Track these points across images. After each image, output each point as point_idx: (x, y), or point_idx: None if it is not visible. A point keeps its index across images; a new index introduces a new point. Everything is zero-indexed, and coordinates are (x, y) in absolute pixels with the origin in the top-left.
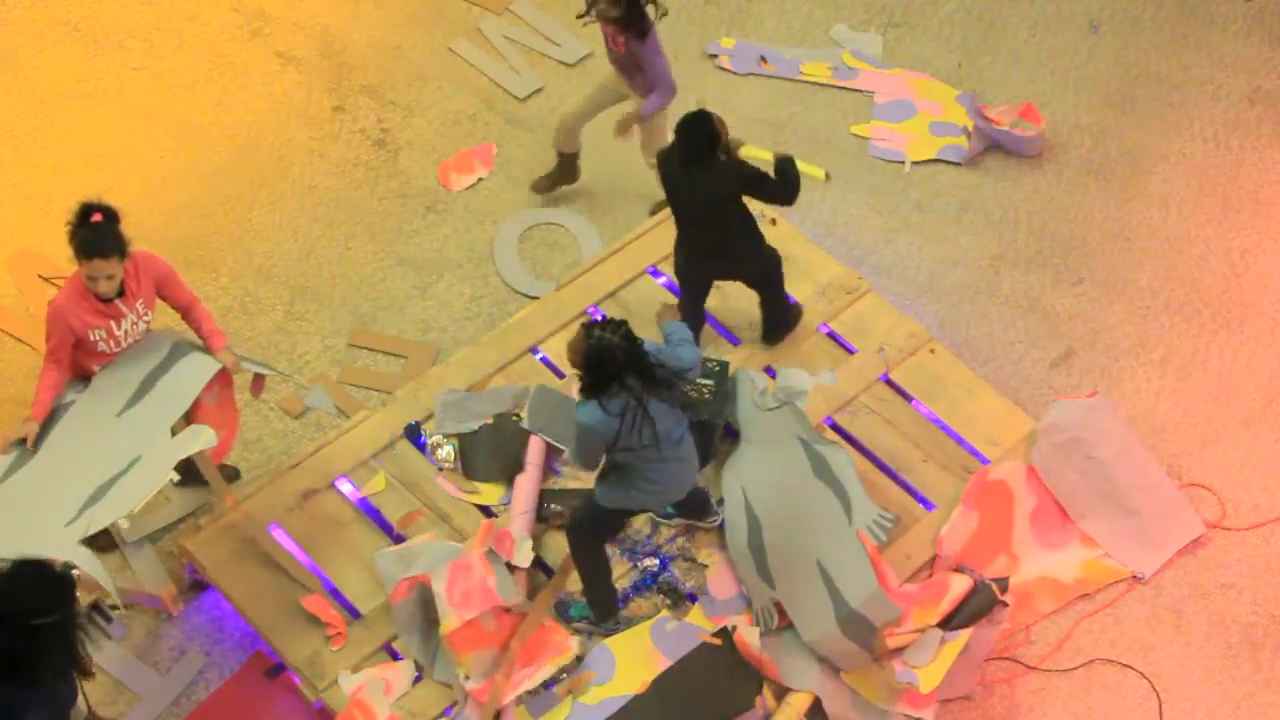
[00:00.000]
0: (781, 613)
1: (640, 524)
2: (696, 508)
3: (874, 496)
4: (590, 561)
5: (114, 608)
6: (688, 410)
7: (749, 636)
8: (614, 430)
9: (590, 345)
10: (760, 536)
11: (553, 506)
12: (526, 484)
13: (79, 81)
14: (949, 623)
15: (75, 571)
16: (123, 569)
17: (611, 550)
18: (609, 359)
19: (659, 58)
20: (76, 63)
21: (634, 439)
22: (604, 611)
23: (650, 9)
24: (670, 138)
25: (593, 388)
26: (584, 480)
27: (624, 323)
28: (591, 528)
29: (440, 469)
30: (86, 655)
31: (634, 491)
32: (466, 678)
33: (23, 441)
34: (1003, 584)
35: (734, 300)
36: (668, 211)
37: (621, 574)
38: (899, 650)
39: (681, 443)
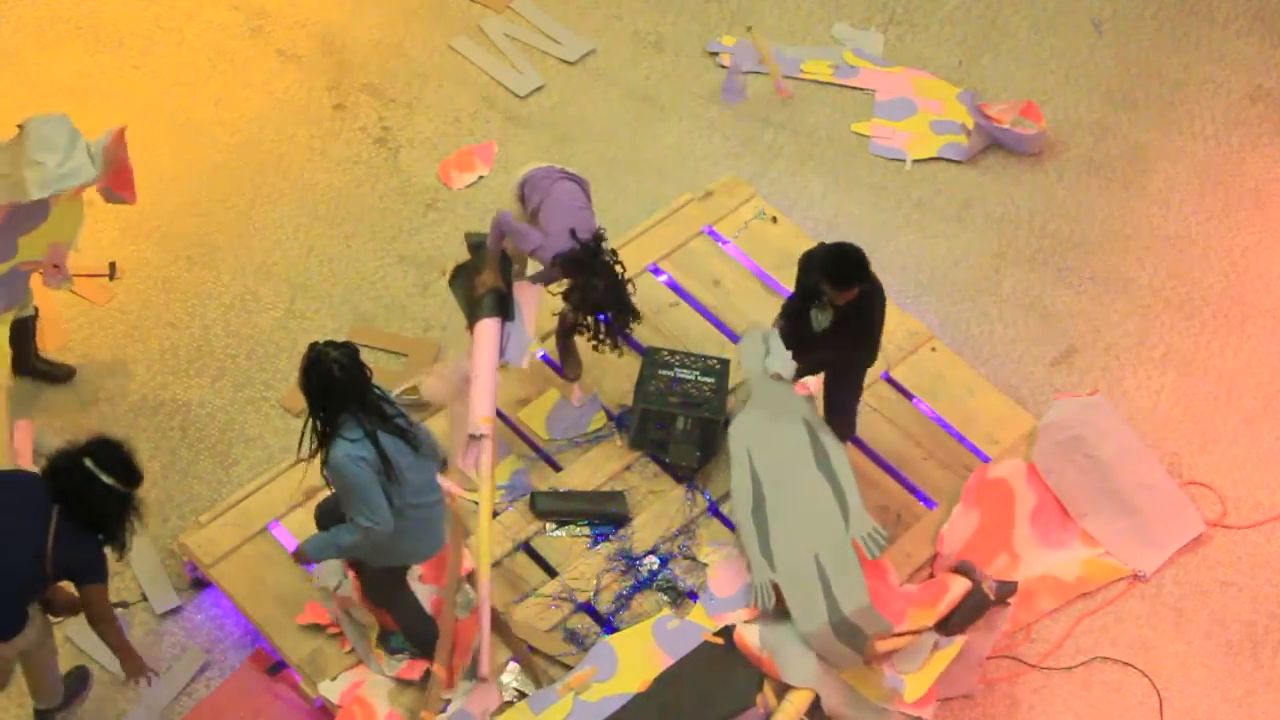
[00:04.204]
0: (779, 596)
1: (639, 528)
2: None
3: (875, 494)
4: (399, 610)
5: (117, 605)
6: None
7: (748, 635)
8: (374, 454)
9: (309, 358)
10: (764, 509)
11: None
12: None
13: (79, 79)
14: (946, 624)
15: None
16: (124, 567)
17: (609, 552)
18: (325, 375)
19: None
20: (77, 61)
21: (385, 479)
22: (427, 649)
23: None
24: None
25: (324, 417)
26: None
27: (351, 347)
28: (379, 581)
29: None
30: (133, 533)
31: (393, 539)
32: (399, 661)
33: None
34: (1009, 587)
35: (734, 298)
36: (668, 209)
37: (621, 574)
38: (891, 653)
39: (432, 495)
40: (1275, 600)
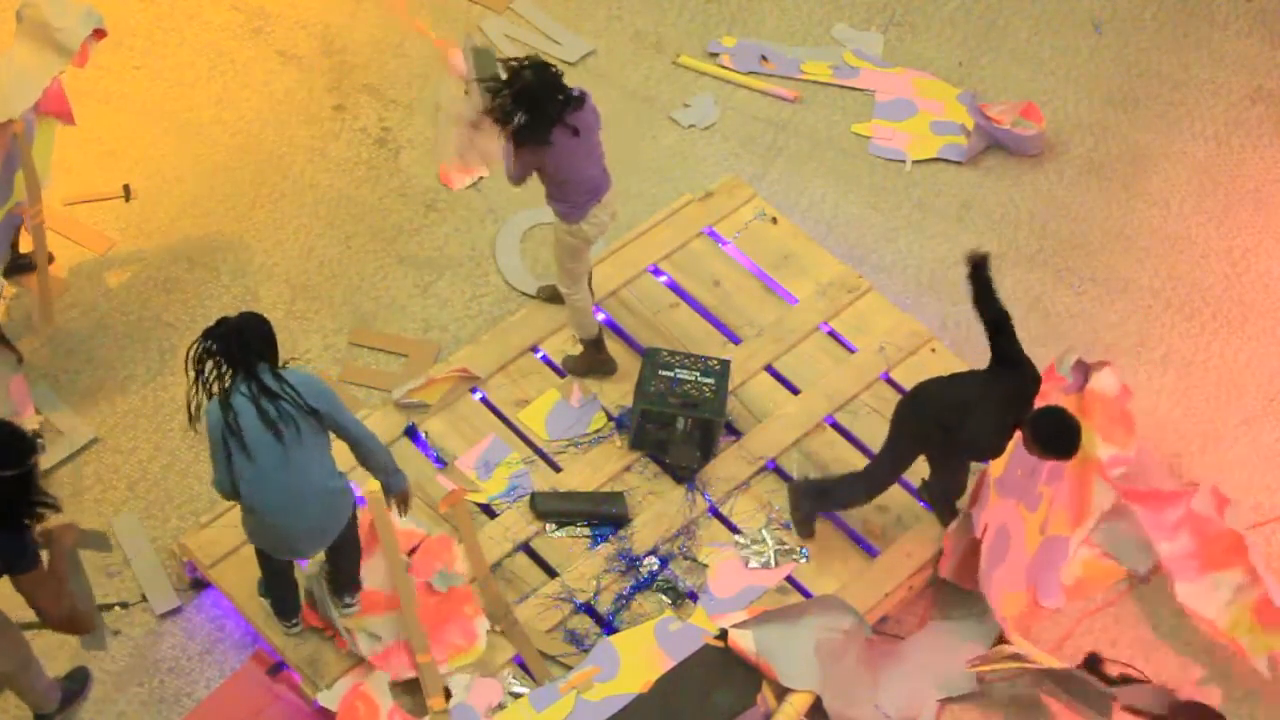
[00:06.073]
0: None
1: (640, 530)
2: (344, 584)
3: None
4: (264, 569)
5: (118, 605)
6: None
7: (743, 640)
8: (221, 421)
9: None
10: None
11: None
12: None
13: (79, 80)
14: None
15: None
16: (123, 568)
17: (609, 553)
18: (212, 328)
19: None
20: None
21: (232, 444)
22: (280, 610)
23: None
24: None
25: (215, 369)
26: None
27: (256, 317)
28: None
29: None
30: (52, 497)
31: (250, 519)
32: (377, 639)
33: None
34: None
35: (734, 299)
36: (668, 210)
37: (621, 575)
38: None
39: (293, 487)
40: None
